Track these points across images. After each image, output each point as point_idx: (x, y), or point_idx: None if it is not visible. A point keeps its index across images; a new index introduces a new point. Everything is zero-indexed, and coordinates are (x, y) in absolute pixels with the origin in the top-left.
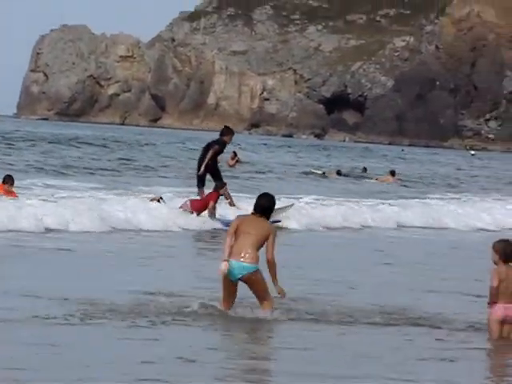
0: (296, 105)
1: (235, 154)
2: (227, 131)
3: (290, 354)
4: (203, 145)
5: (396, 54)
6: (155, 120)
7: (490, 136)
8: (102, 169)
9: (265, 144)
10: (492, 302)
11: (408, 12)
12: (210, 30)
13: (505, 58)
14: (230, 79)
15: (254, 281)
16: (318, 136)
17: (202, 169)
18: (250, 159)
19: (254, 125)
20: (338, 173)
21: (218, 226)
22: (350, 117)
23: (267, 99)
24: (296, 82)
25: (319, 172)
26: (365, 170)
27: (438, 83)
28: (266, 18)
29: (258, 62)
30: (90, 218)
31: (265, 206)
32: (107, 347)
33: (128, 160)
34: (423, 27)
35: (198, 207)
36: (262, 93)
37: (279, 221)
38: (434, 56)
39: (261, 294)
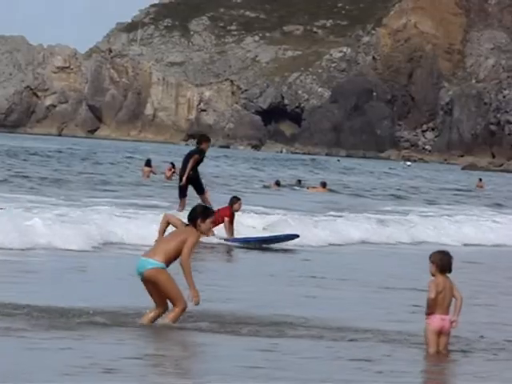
0: (233, 116)
1: (173, 165)
2: (203, 139)
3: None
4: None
5: (333, 64)
6: (92, 131)
7: (427, 147)
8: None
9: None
10: (429, 313)
11: (345, 23)
12: (147, 40)
13: (442, 69)
14: (167, 90)
15: (154, 281)
16: (255, 147)
17: (184, 179)
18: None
19: (191, 136)
20: (277, 183)
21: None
22: (287, 128)
23: (204, 110)
24: (233, 93)
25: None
26: (299, 182)
27: (374, 94)
28: (203, 28)
29: (194, 73)
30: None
31: (191, 215)
32: (27, 358)
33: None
34: (360, 38)
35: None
36: (199, 104)
37: (297, 236)
38: (370, 67)
39: (168, 296)
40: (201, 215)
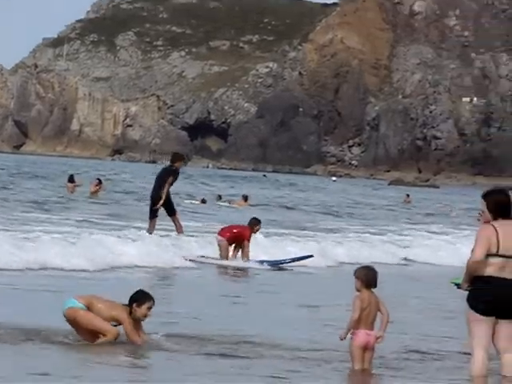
0: (159, 131)
1: (100, 181)
2: (177, 157)
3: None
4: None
5: (259, 80)
6: (18, 146)
7: (354, 162)
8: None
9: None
10: (354, 329)
11: (271, 38)
12: (73, 56)
13: (368, 84)
14: (93, 105)
15: (74, 320)
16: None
17: (161, 203)
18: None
19: (117, 151)
20: (203, 201)
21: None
22: (213, 143)
23: (130, 126)
24: (159, 109)
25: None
26: (220, 197)
27: (301, 109)
28: (129, 44)
29: (121, 89)
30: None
31: (130, 297)
32: None
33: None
34: (286, 53)
35: (229, 237)
36: (125, 119)
37: (311, 256)
38: (297, 82)
39: (94, 330)
40: (137, 301)
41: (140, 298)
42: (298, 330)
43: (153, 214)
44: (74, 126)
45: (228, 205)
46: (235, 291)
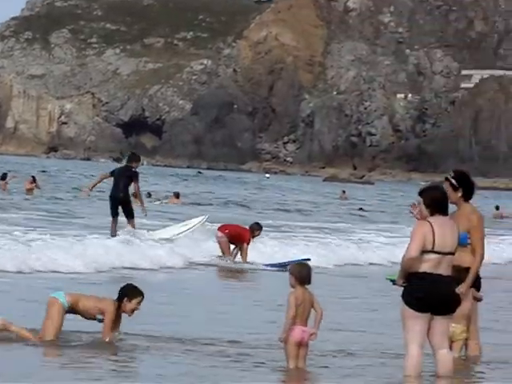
0: (94, 128)
1: (34, 178)
2: (134, 157)
3: None
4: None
5: (194, 77)
6: None
7: (288, 159)
8: None
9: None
10: (290, 325)
11: (205, 35)
12: (7, 53)
13: (302, 81)
14: (27, 103)
15: (47, 308)
16: (116, 160)
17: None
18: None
19: (53, 148)
20: (134, 196)
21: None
22: (148, 140)
23: (65, 123)
24: (94, 106)
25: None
26: (149, 194)
27: (235, 106)
28: (64, 41)
29: (55, 86)
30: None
31: (120, 291)
32: None
33: None
34: (221, 50)
35: (229, 234)
36: (60, 117)
37: (309, 259)
38: (231, 79)
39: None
40: (127, 295)
41: (131, 292)
42: (233, 328)
43: (115, 213)
44: (9, 123)
45: (159, 203)
46: (191, 290)
